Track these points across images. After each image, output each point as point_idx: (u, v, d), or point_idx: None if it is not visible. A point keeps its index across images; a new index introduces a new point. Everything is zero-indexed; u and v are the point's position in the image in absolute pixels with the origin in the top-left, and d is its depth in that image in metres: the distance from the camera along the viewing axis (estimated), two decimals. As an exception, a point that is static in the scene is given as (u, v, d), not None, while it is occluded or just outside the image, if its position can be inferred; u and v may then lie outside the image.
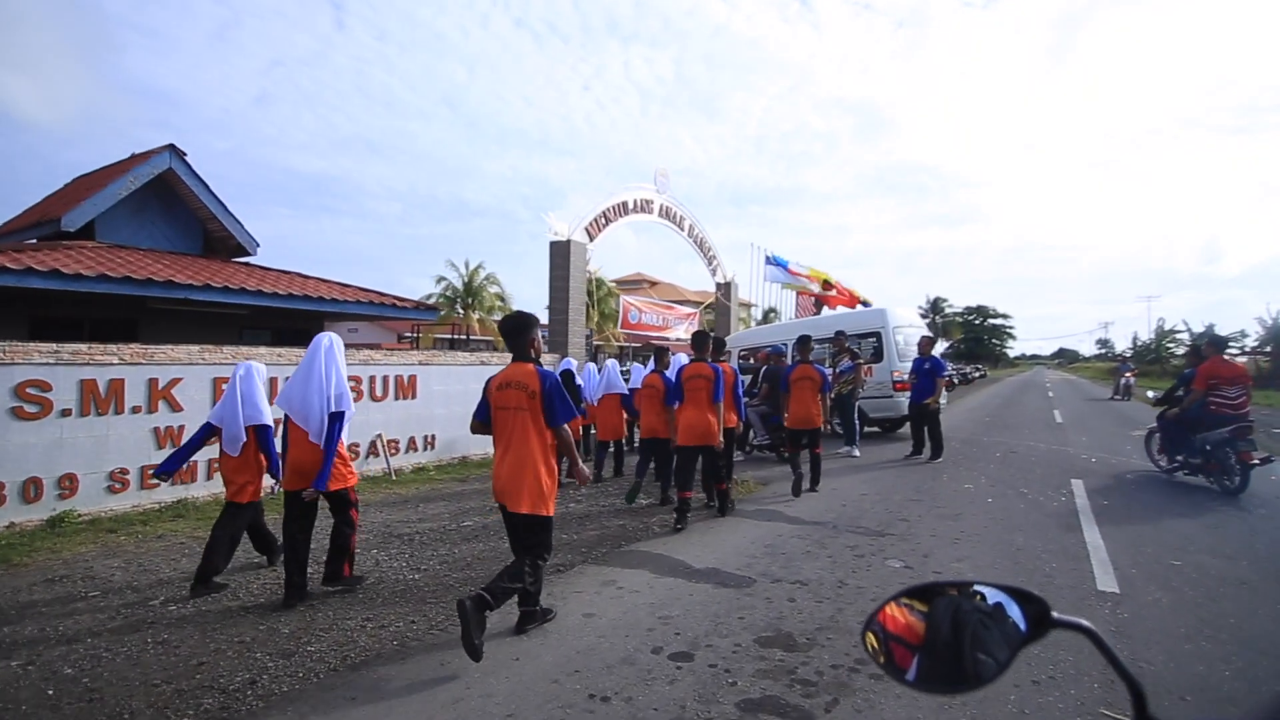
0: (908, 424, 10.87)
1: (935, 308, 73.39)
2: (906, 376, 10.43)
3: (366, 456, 7.90)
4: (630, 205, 13.21)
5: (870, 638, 0.82)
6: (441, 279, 36.15)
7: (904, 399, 10.38)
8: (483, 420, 3.30)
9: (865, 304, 23.79)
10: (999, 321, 76.26)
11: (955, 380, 24.49)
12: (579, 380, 8.79)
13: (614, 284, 39.67)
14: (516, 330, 3.26)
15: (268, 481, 4.27)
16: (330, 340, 3.86)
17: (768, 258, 20.03)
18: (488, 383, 3.31)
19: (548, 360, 10.85)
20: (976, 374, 38.77)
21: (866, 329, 10.85)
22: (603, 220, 12.33)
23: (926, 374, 8.59)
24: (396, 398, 8.36)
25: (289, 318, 10.64)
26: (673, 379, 6.35)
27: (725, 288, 17.46)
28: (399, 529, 5.56)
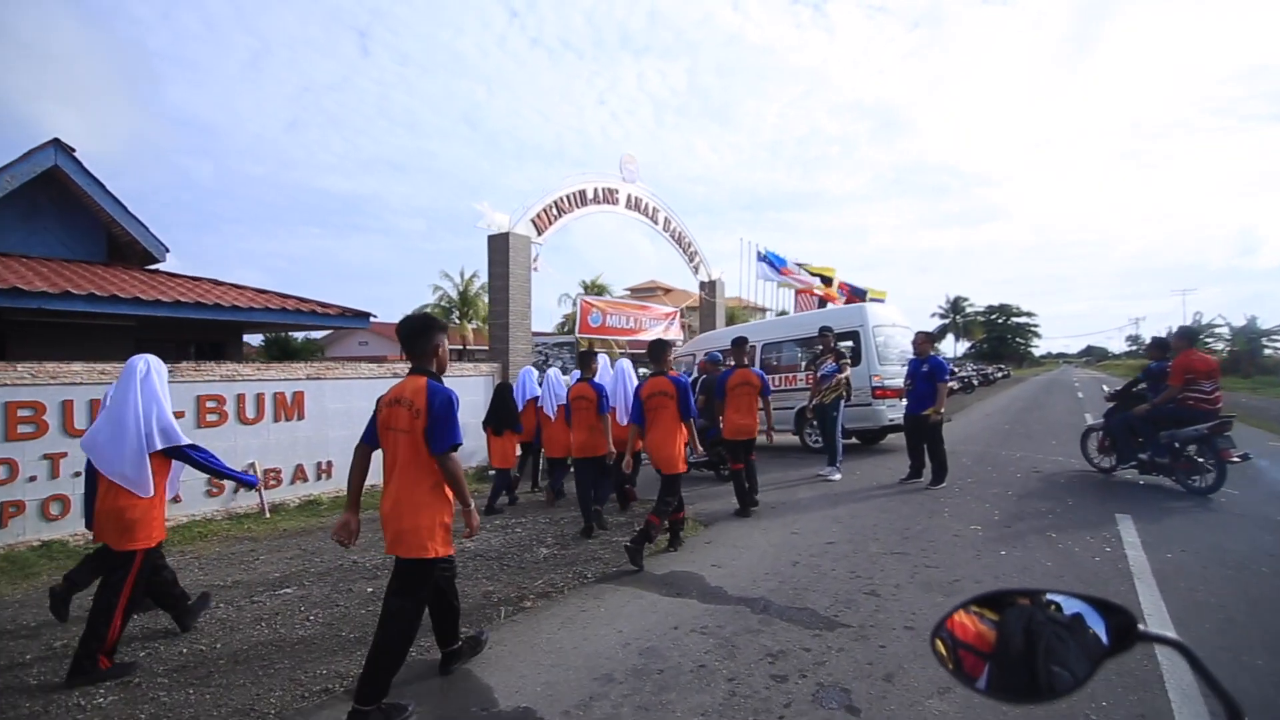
0: (892, 437, 9.25)
1: (956, 307, 70.91)
2: (888, 382, 9.03)
3: (235, 491, 6.49)
4: (590, 195, 11.74)
5: (939, 644, 0.82)
6: (437, 288, 35.32)
7: (884, 407, 8.92)
8: (368, 442, 2.79)
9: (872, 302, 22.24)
10: (1023, 320, 73.39)
11: (956, 384, 22.22)
12: (536, 391, 7.51)
13: (627, 291, 38.28)
14: (413, 336, 2.71)
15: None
16: (147, 365, 3.28)
17: (759, 254, 18.48)
18: (380, 399, 2.78)
19: (484, 370, 9.40)
20: (999, 374, 36.59)
21: (842, 328, 9.19)
22: (554, 212, 10.86)
23: (925, 379, 6.95)
24: (277, 419, 6.95)
25: (198, 329, 9.36)
26: (605, 386, 5.98)
27: (710, 286, 15.89)
28: (237, 577, 4.13)
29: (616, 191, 12.46)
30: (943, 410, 6.88)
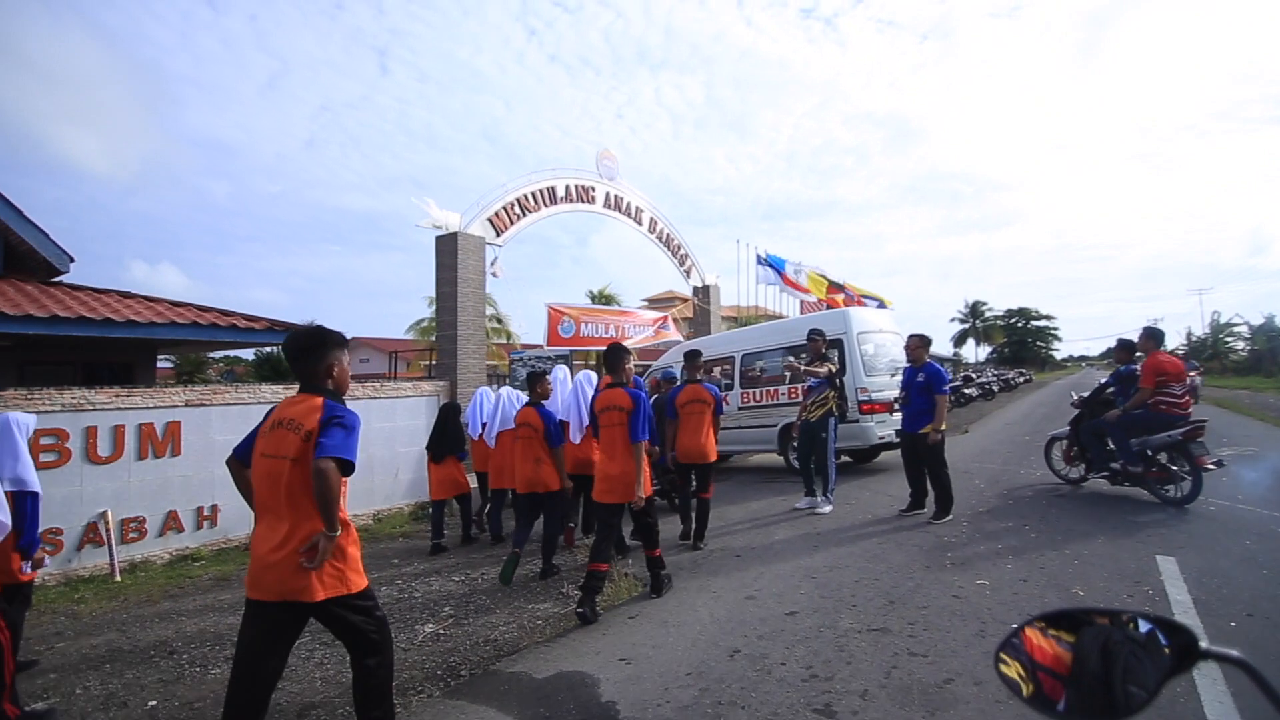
0: (895, 455, 8.05)
1: (975, 311, 68.81)
2: (876, 395, 7.95)
3: (80, 547, 5.48)
4: (561, 193, 10.74)
5: (1015, 668, 0.80)
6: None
7: (873, 424, 7.86)
8: (239, 458, 2.38)
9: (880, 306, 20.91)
10: (1042, 323, 71.03)
11: (975, 391, 20.36)
12: (480, 418, 6.56)
13: (645, 302, 36.89)
14: (301, 353, 2.30)
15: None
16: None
17: (759, 257, 17.34)
18: (266, 415, 2.35)
19: (426, 390, 8.37)
20: (1021, 379, 34.86)
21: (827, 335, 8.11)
22: (516, 210, 9.87)
23: (921, 391, 5.79)
24: (142, 456, 5.94)
25: (97, 349, 8.45)
26: (554, 415, 5.32)
27: (704, 292, 14.81)
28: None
29: (593, 190, 11.47)
30: (943, 428, 5.69)
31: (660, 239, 13.43)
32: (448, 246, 8.77)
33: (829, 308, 18.71)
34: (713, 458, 5.56)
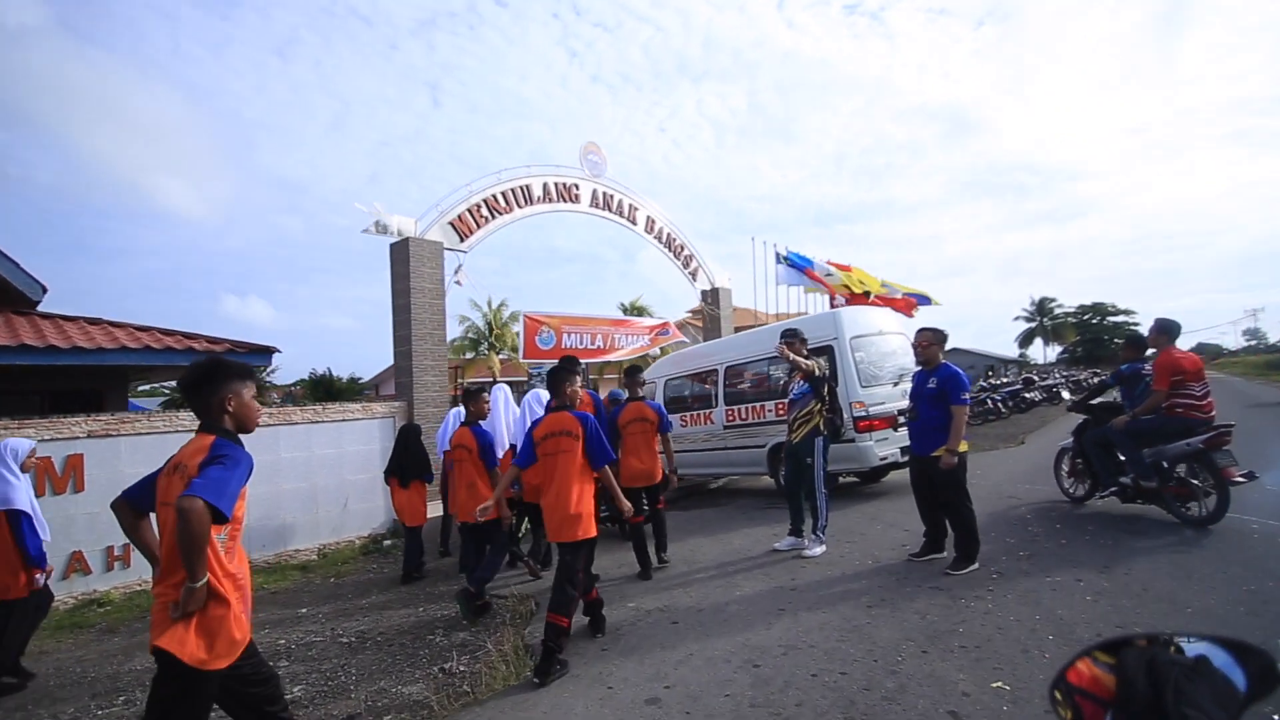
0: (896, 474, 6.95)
1: (1042, 309, 64.22)
2: (875, 409, 6.71)
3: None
4: (538, 193, 9.86)
5: (1057, 695, 0.79)
6: (464, 319, 34.47)
7: (871, 442, 6.60)
8: (131, 502, 2.24)
9: (922, 300, 19.09)
10: (1120, 319, 65.52)
11: (1038, 395, 17.18)
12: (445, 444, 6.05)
13: (690, 313, 35.37)
14: (192, 388, 2.14)
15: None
16: None
17: (779, 256, 15.99)
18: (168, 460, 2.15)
19: (379, 413, 7.56)
20: (1094, 380, 31.63)
21: (811, 342, 6.72)
22: (483, 213, 9.03)
23: (933, 401, 4.49)
24: (39, 493, 5.28)
25: (67, 376, 8.07)
26: (491, 435, 4.92)
27: (713, 295, 13.63)
28: None
29: (576, 188, 10.55)
30: (962, 448, 4.37)
31: (660, 239, 12.38)
32: (400, 254, 7.99)
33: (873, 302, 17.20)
34: (659, 478, 5.28)
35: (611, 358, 10.84)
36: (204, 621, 1.91)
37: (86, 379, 8.42)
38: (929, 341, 4.63)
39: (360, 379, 35.30)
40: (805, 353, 5.33)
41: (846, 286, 16.55)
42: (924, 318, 18.95)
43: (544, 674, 3.21)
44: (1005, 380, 23.02)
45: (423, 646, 4.07)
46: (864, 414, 6.64)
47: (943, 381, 4.44)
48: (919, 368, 4.73)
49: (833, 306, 17.29)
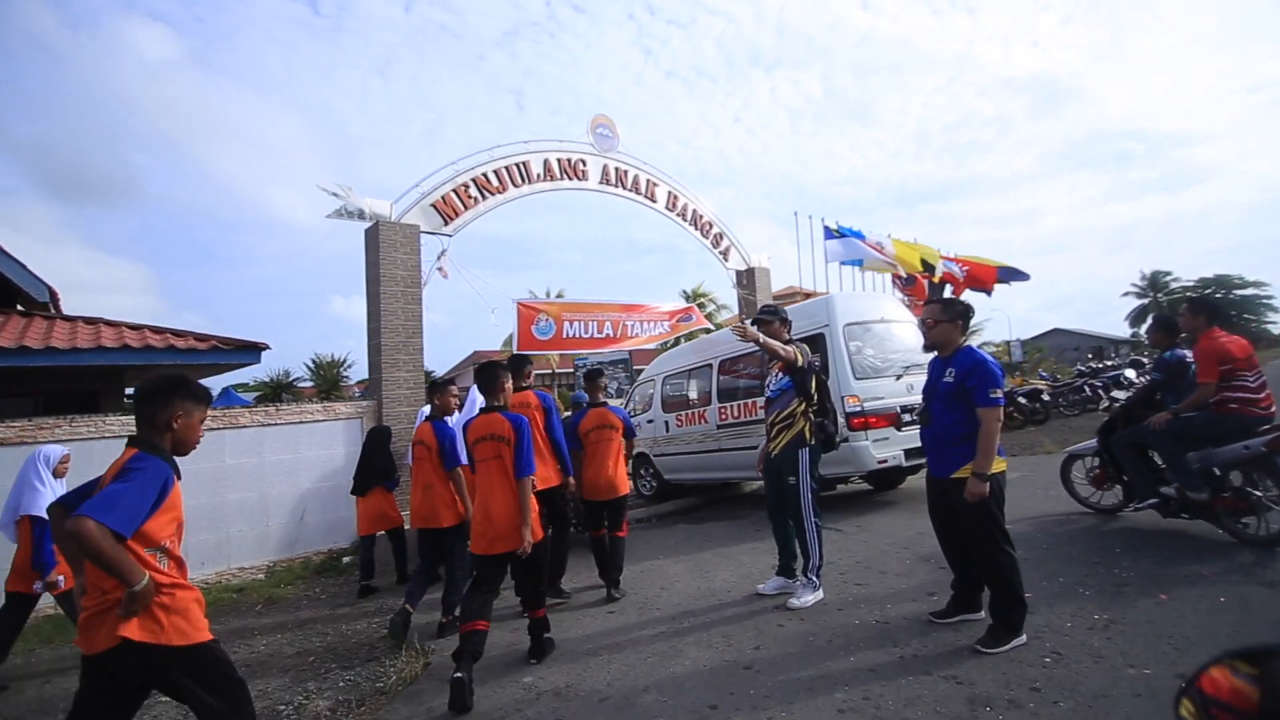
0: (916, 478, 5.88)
1: (1155, 284, 57.21)
2: (870, 404, 5.86)
3: None
4: (538, 170, 8.94)
5: (1186, 704, 0.76)
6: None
7: (864, 442, 5.82)
8: (64, 507, 2.09)
9: (1008, 273, 16.76)
10: (1250, 291, 57.35)
11: (1094, 387, 13.42)
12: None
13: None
14: (143, 396, 2.12)
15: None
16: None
17: (828, 230, 14.35)
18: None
19: (342, 414, 6.91)
20: (1142, 377, 26.95)
21: (802, 331, 6.08)
22: (471, 193, 8.20)
23: (948, 401, 3.20)
24: None
25: (56, 379, 7.98)
26: (453, 432, 4.44)
27: (747, 276, 12.30)
28: None
29: (584, 163, 9.56)
30: (997, 469, 3.06)
31: (685, 217, 11.18)
32: (371, 240, 7.29)
33: (936, 286, 15.22)
34: (624, 491, 4.72)
35: (625, 347, 9.82)
36: (164, 602, 1.90)
37: (79, 380, 8.30)
38: (937, 317, 3.28)
39: (433, 372, 36.15)
40: (787, 337, 4.10)
41: (901, 261, 14.70)
42: (1012, 295, 16.73)
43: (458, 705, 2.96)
44: (1110, 363, 20.03)
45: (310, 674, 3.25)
46: (858, 410, 5.81)
47: (963, 373, 3.11)
48: (935, 355, 3.40)
49: (896, 285, 15.52)
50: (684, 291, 29.52)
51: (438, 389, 4.81)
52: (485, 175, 8.29)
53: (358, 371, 33.80)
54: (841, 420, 5.76)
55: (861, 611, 3.65)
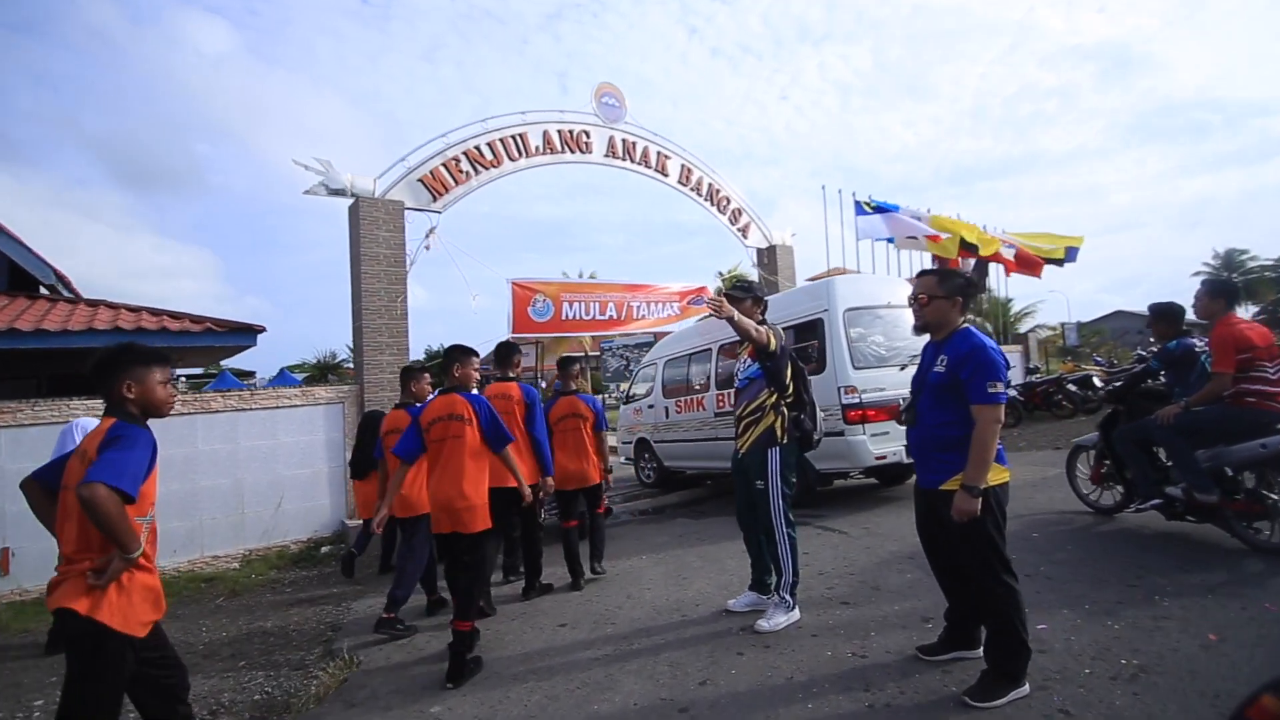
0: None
1: (1229, 263, 52.86)
2: (869, 396, 5.40)
3: None
4: (536, 143, 8.46)
5: None
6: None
7: (863, 436, 5.42)
8: (41, 480, 2.17)
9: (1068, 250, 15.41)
10: (1340, 269, 52.30)
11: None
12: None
13: (807, 282, 32.30)
14: (94, 371, 2.12)
15: None
16: None
17: (859, 206, 13.40)
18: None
19: (322, 398, 6.68)
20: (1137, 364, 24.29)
21: (798, 318, 6.00)
22: (463, 167, 7.78)
23: (937, 395, 2.59)
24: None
25: (57, 361, 8.03)
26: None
27: (769, 254, 11.58)
28: None
29: (587, 135, 9.03)
30: (992, 482, 2.45)
31: (699, 192, 10.53)
32: (353, 218, 6.96)
33: (980, 265, 14.10)
34: (595, 480, 4.69)
35: (630, 329, 9.32)
36: (119, 588, 1.91)
37: (81, 363, 8.36)
38: (931, 292, 2.65)
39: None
40: (760, 318, 3.53)
41: (942, 229, 13.58)
42: (1073, 276, 15.43)
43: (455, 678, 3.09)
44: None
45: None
46: (855, 401, 5.38)
47: (956, 361, 2.50)
48: (930, 340, 2.78)
49: (935, 264, 14.45)
50: (719, 273, 28.71)
51: (412, 375, 4.67)
52: (477, 148, 7.86)
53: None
54: (837, 413, 5.45)
55: (839, 640, 3.10)
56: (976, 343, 2.49)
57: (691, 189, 10.44)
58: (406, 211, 7.27)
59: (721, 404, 6.75)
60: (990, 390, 2.40)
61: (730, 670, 2.91)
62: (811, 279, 16.46)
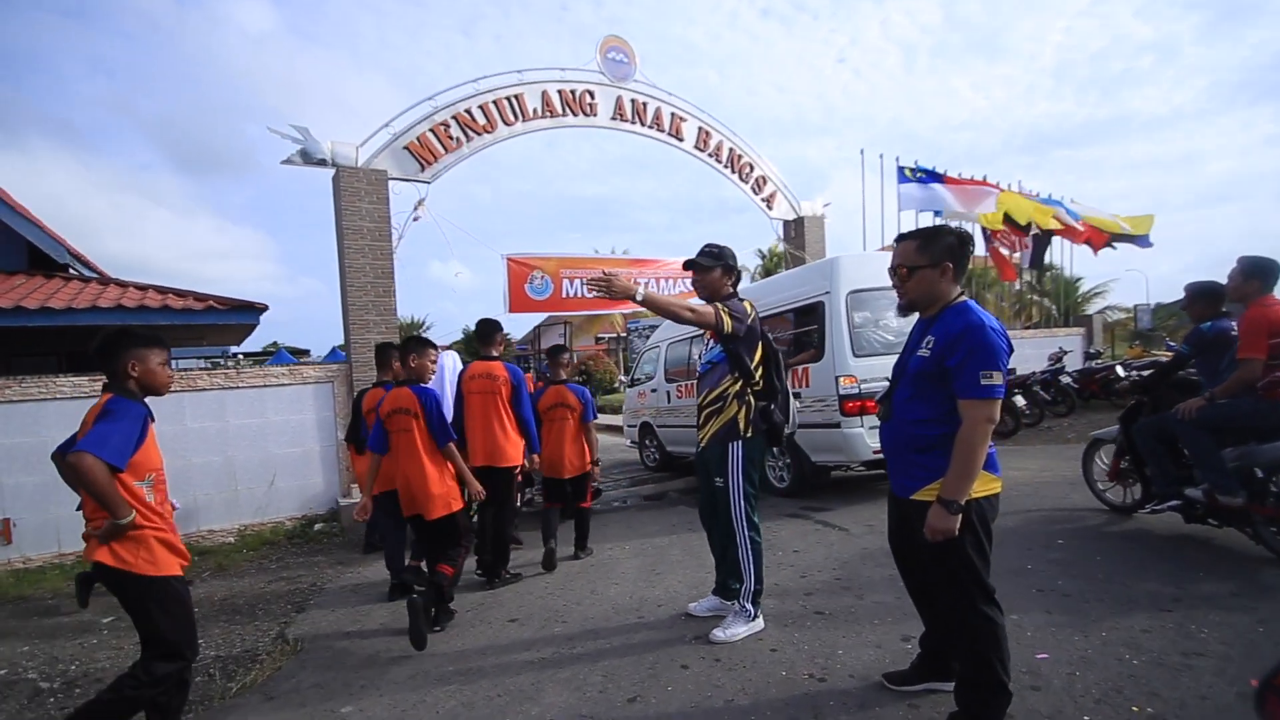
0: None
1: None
2: (868, 385, 4.95)
3: None
4: (534, 105, 8.02)
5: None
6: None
7: (858, 429, 5.07)
8: (63, 453, 2.27)
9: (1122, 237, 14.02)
10: None
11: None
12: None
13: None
14: (97, 355, 2.32)
15: None
16: None
17: (901, 173, 12.46)
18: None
19: (309, 377, 6.59)
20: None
21: (799, 300, 5.68)
22: (453, 133, 7.43)
23: (918, 385, 2.12)
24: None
25: (75, 338, 8.25)
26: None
27: (798, 226, 10.86)
28: None
29: (591, 94, 8.53)
30: (979, 494, 1.96)
31: (718, 158, 9.88)
32: (336, 189, 6.72)
33: (1038, 235, 12.97)
34: (581, 470, 4.67)
35: (625, 309, 8.88)
36: (136, 542, 2.16)
37: (81, 340, 8.56)
38: (912, 261, 2.13)
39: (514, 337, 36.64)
40: (729, 291, 3.06)
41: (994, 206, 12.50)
42: (1155, 255, 14.05)
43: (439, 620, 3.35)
44: None
45: None
46: (854, 392, 5.01)
47: (946, 344, 2.00)
48: (919, 316, 2.26)
49: (984, 236, 13.38)
50: (759, 250, 27.76)
51: (384, 352, 4.67)
52: (468, 112, 7.48)
53: (433, 333, 34.88)
54: (834, 404, 5.07)
55: (800, 657, 2.69)
56: (973, 321, 1.97)
57: (710, 155, 9.80)
58: (395, 183, 7.00)
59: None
60: (984, 381, 1.90)
61: (667, 687, 2.55)
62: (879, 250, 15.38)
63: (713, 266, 3.07)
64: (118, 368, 2.26)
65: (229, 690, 2.95)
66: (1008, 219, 12.57)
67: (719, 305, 2.88)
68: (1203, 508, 3.55)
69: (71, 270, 8.82)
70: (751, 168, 10.33)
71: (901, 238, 2.24)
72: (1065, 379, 9.41)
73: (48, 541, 5.39)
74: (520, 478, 4.61)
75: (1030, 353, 11.27)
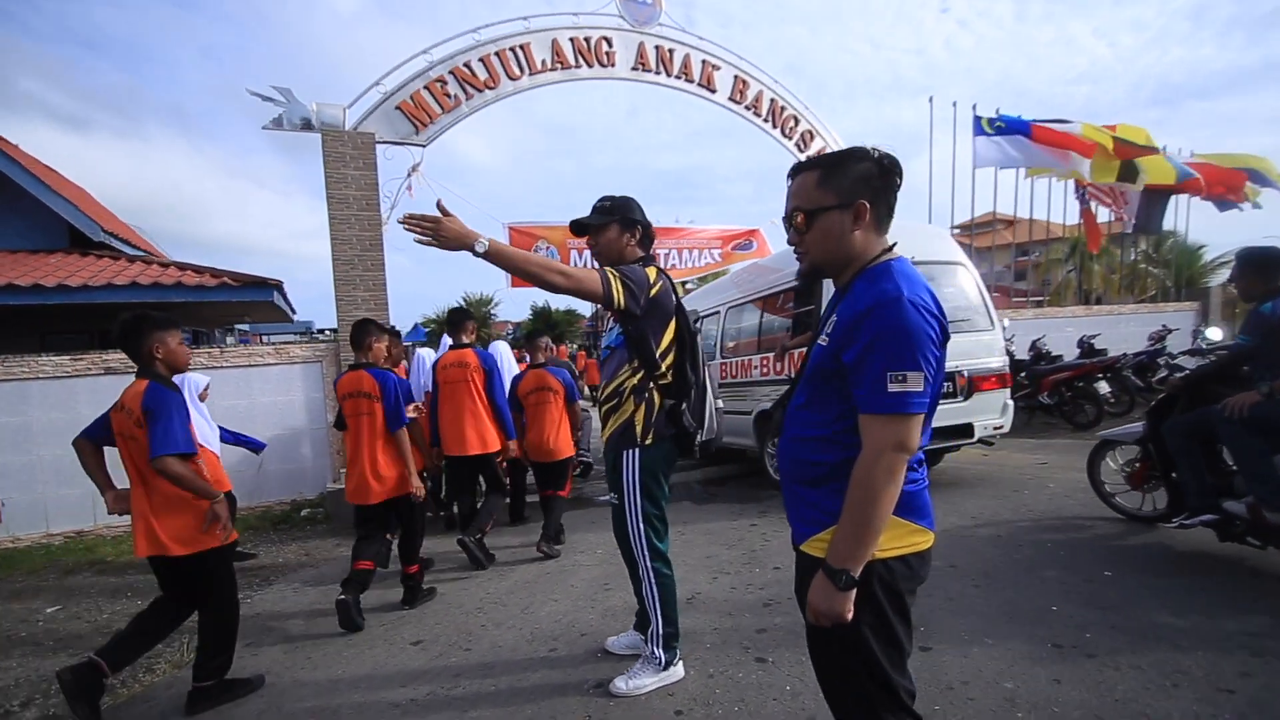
0: (979, 465, 5.15)
1: None
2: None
3: None
4: (543, 56, 7.29)
5: None
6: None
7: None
8: (91, 436, 2.53)
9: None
10: None
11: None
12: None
13: (957, 229, 27.95)
14: (121, 341, 2.46)
15: None
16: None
17: (978, 124, 10.80)
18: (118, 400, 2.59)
19: (298, 356, 6.34)
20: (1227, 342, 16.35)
21: (788, 280, 5.19)
22: (451, 90, 6.83)
23: (817, 387, 1.28)
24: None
25: (106, 315, 8.49)
26: (392, 380, 3.58)
27: (846, 184, 9.58)
28: None
29: (609, 42, 7.73)
30: (874, 554, 1.14)
31: (757, 111, 8.80)
32: (323, 154, 6.31)
33: (1155, 196, 10.92)
34: (563, 454, 4.52)
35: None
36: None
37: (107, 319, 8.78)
38: (808, 201, 1.28)
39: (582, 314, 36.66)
40: (637, 250, 2.30)
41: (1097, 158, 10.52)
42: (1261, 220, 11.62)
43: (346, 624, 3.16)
44: None
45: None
46: None
47: (846, 327, 1.19)
48: (835, 287, 1.39)
49: (1079, 197, 11.50)
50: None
51: (363, 330, 4.45)
52: (468, 66, 6.86)
53: (502, 310, 35.33)
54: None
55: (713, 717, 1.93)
56: (887, 292, 1.15)
57: (747, 107, 8.74)
58: (386, 146, 6.53)
59: (725, 374, 5.93)
60: (892, 387, 1.11)
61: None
62: (958, 227, 13.24)
63: (605, 224, 2.28)
64: (143, 351, 2.40)
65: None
66: (1122, 167, 10.41)
67: (609, 270, 2.10)
68: (1244, 524, 3.04)
69: (109, 247, 9.07)
70: (796, 120, 9.18)
71: (798, 168, 1.35)
72: (1162, 361, 7.88)
73: (36, 521, 5.39)
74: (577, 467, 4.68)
75: (1134, 329, 9.58)
